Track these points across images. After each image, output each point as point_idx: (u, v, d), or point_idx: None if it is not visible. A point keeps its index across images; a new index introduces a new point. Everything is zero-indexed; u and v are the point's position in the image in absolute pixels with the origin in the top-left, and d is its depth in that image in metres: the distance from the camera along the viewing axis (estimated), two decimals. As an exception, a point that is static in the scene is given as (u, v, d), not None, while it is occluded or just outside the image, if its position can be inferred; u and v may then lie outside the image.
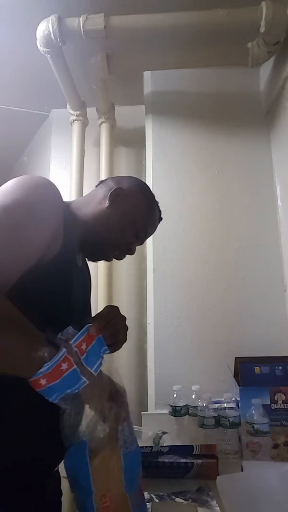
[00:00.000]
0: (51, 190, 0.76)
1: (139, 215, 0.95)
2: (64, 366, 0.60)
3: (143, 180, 2.00)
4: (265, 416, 1.08)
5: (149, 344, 1.58)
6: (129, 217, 0.93)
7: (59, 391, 0.59)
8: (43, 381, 0.58)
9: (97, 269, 1.82)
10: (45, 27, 1.42)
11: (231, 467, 1.05)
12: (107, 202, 0.91)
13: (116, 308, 0.83)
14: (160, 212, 1.04)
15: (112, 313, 0.80)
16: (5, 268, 0.64)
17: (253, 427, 1.07)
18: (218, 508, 0.82)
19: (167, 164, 1.71)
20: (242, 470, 1.02)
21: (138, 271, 1.88)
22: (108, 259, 0.97)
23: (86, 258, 0.97)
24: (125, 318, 0.80)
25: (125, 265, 1.89)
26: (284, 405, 1.16)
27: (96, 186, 1.00)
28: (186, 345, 1.53)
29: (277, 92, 1.53)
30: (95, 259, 0.98)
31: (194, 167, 1.70)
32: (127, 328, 0.80)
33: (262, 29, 1.37)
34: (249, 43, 1.51)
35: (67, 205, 0.90)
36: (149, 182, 1.71)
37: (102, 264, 1.83)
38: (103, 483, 0.64)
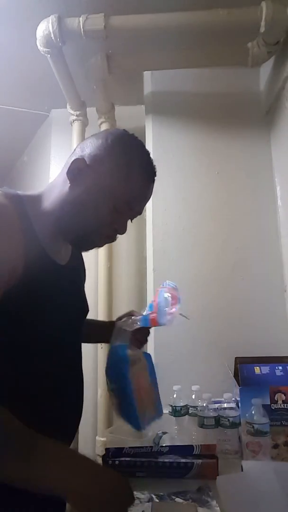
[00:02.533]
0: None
1: (114, 186, 0.75)
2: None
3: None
4: (265, 416, 1.08)
5: (149, 344, 1.58)
6: (100, 193, 0.74)
7: None
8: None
9: (97, 269, 1.82)
10: (45, 27, 1.42)
11: (231, 467, 1.05)
12: (68, 182, 0.75)
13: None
14: (148, 165, 0.83)
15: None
16: None
17: (253, 427, 1.07)
18: (218, 508, 0.82)
19: (167, 164, 1.71)
20: (242, 470, 1.02)
21: (138, 271, 1.88)
22: (98, 245, 0.82)
23: (77, 251, 0.88)
24: None
25: (125, 265, 1.89)
26: (284, 405, 1.16)
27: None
28: (186, 345, 1.53)
29: (277, 92, 1.53)
30: (85, 249, 0.84)
31: (194, 167, 1.70)
32: None
33: (262, 29, 1.37)
34: (249, 43, 1.51)
35: (36, 199, 0.78)
36: (149, 182, 1.71)
37: (102, 264, 1.83)
38: (137, 381, 0.85)
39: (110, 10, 1.41)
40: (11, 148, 2.48)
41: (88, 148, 0.77)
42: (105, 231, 0.78)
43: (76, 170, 0.75)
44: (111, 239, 0.81)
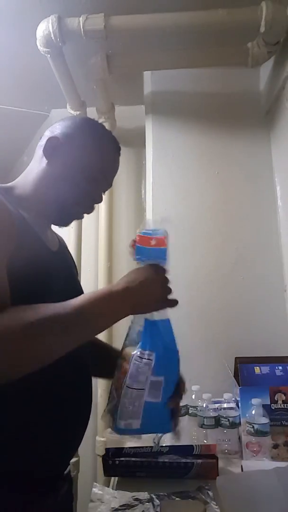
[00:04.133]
0: None
1: (87, 157, 0.82)
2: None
3: (144, 181, 2.00)
4: (265, 416, 1.08)
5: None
6: (76, 164, 0.82)
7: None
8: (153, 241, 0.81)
9: (97, 269, 1.82)
10: (45, 27, 1.42)
11: (231, 467, 1.05)
12: (44, 160, 0.82)
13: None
14: (114, 140, 0.90)
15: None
16: None
17: (253, 427, 1.07)
18: (218, 508, 0.82)
19: (167, 164, 1.71)
20: (242, 470, 1.02)
21: (138, 271, 1.88)
22: (78, 217, 0.88)
23: (58, 226, 0.89)
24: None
25: (125, 265, 1.89)
26: (284, 405, 1.16)
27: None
28: (186, 345, 1.52)
29: (277, 92, 1.53)
30: (67, 222, 0.88)
31: (194, 167, 1.70)
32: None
33: (262, 29, 1.37)
34: (249, 43, 1.51)
35: (11, 189, 0.82)
36: (149, 182, 1.71)
37: (102, 264, 1.83)
38: None
39: (110, 10, 1.41)
40: (11, 148, 2.48)
41: (58, 129, 0.85)
42: (84, 201, 0.85)
43: (52, 147, 0.82)
44: (89, 209, 0.87)
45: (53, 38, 1.42)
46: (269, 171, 1.66)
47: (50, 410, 0.72)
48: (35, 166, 0.84)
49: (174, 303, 0.80)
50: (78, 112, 1.86)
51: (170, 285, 0.80)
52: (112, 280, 1.81)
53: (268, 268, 1.58)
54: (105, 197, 2.10)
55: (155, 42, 1.54)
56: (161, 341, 0.81)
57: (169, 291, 0.78)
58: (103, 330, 0.72)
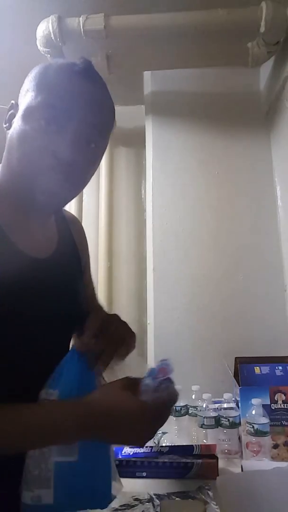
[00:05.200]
0: None
1: (32, 94, 0.63)
2: None
3: (144, 180, 2.00)
4: (265, 416, 1.08)
5: (149, 344, 1.58)
6: (24, 115, 0.63)
7: None
8: None
9: (97, 269, 1.82)
10: (45, 27, 1.42)
11: (231, 467, 1.05)
12: (6, 129, 0.67)
13: (103, 317, 0.68)
14: (70, 62, 0.67)
15: (96, 324, 0.64)
16: None
17: (253, 427, 1.07)
18: (218, 508, 0.82)
19: (167, 164, 1.71)
20: (242, 470, 1.02)
21: (138, 271, 1.88)
22: (58, 187, 0.64)
23: (48, 210, 0.69)
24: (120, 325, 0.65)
25: (125, 265, 1.89)
26: (284, 405, 1.16)
27: None
28: (186, 345, 1.53)
29: (277, 92, 1.53)
30: (51, 203, 0.66)
31: (194, 167, 1.70)
32: (128, 334, 0.68)
33: (262, 29, 1.37)
34: (249, 43, 1.51)
35: None
36: (149, 182, 1.71)
37: (102, 264, 1.83)
38: None
39: (110, 10, 1.41)
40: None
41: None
42: (46, 161, 0.61)
43: (8, 115, 0.67)
44: (62, 171, 0.62)
45: (53, 38, 1.42)
46: (269, 171, 1.66)
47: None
48: (2, 143, 0.67)
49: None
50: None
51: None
52: (112, 280, 1.82)
53: (268, 268, 1.58)
54: (105, 197, 2.10)
55: (155, 42, 1.54)
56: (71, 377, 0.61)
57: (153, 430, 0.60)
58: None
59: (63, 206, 0.76)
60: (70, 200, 0.71)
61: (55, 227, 0.77)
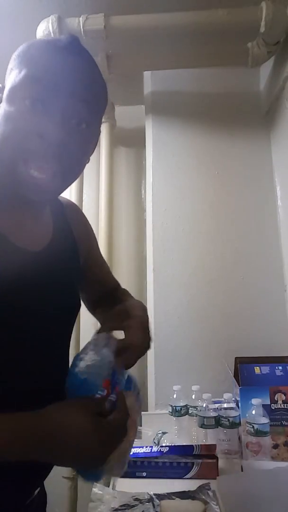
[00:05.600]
0: None
1: (14, 73, 0.57)
2: None
3: (144, 181, 2.00)
4: (265, 416, 1.08)
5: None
6: (8, 95, 0.57)
7: None
8: None
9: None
10: (45, 27, 1.42)
11: (231, 467, 1.05)
12: None
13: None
14: (55, 38, 0.62)
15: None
16: None
17: (253, 427, 1.07)
18: (218, 508, 0.82)
19: (167, 164, 1.71)
20: (242, 470, 1.02)
21: (138, 271, 1.88)
22: (43, 172, 0.57)
23: (36, 198, 0.61)
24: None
25: (125, 265, 1.89)
26: (284, 405, 1.16)
27: None
28: (186, 345, 1.53)
29: (277, 92, 1.53)
30: (38, 192, 0.59)
31: (194, 167, 1.70)
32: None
33: (262, 29, 1.37)
34: (249, 43, 1.51)
35: None
36: (149, 182, 1.71)
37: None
38: None
39: (110, 10, 1.41)
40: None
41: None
42: (32, 145, 0.55)
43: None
44: (49, 156, 0.56)
45: (53, 38, 1.42)
46: (269, 171, 1.67)
47: None
48: None
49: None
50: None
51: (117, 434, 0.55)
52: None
53: (268, 268, 1.58)
54: (105, 197, 2.10)
55: (155, 42, 1.54)
56: None
57: (111, 446, 0.54)
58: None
59: (55, 197, 0.71)
60: (62, 191, 0.64)
61: (51, 218, 0.72)
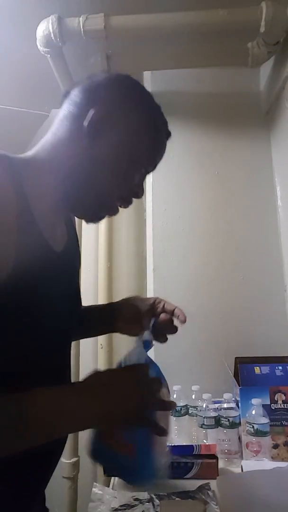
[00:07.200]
0: None
1: (141, 143, 0.68)
2: None
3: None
4: (265, 416, 1.08)
5: (149, 344, 1.58)
6: (127, 150, 0.66)
7: None
8: None
9: (97, 269, 1.82)
10: (45, 27, 1.42)
11: (231, 467, 1.05)
12: (85, 138, 0.64)
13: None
14: (165, 122, 0.75)
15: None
16: None
17: (253, 427, 1.07)
18: (218, 508, 0.82)
19: (167, 164, 1.71)
20: (242, 470, 1.02)
21: (138, 271, 1.88)
22: (112, 213, 0.72)
23: (86, 222, 0.73)
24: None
25: (125, 265, 1.89)
26: (284, 405, 1.16)
27: (61, 103, 0.71)
28: (186, 345, 1.53)
29: (277, 92, 1.53)
30: (96, 219, 0.72)
31: (194, 167, 1.70)
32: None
33: (262, 29, 1.37)
34: (249, 43, 1.51)
35: (30, 163, 0.64)
36: (149, 182, 1.71)
37: (102, 264, 1.83)
38: None
39: (110, 10, 1.41)
40: (11, 148, 2.47)
41: (103, 95, 0.66)
42: (126, 194, 0.71)
43: (98, 123, 0.64)
44: (128, 204, 0.73)
45: (53, 38, 1.42)
46: (269, 171, 1.66)
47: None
48: (69, 141, 0.65)
49: (153, 426, 0.61)
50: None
51: (158, 393, 0.63)
52: (112, 280, 1.81)
53: (268, 268, 1.58)
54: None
55: (155, 42, 1.54)
56: None
57: (151, 404, 0.61)
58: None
59: None
60: None
61: (63, 220, 0.79)
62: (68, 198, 0.66)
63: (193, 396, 1.30)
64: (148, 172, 0.73)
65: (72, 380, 0.82)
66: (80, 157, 0.65)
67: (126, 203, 0.72)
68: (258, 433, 1.06)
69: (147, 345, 0.79)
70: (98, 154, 0.65)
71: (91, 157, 0.65)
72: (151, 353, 1.55)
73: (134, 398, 0.59)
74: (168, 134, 0.75)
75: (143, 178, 0.72)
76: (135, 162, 0.68)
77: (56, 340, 0.67)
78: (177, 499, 0.85)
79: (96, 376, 0.60)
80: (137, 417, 0.59)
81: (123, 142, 0.66)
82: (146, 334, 0.80)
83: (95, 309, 0.97)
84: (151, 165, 0.73)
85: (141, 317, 0.84)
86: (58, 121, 0.68)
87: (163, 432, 0.62)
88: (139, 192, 0.72)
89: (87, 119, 0.64)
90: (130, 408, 0.58)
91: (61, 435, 0.61)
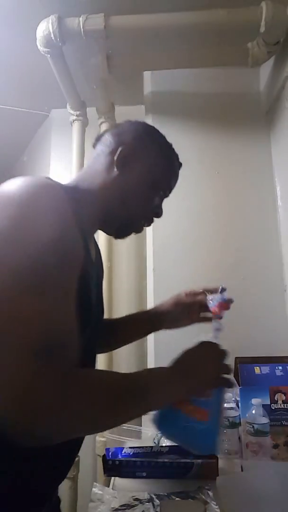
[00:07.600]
0: (53, 208, 0.61)
1: (159, 172, 0.84)
2: None
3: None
4: (265, 416, 1.08)
5: (149, 344, 1.58)
6: (148, 178, 0.82)
7: None
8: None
9: (97, 269, 1.82)
10: (45, 27, 1.42)
11: (231, 467, 1.05)
12: (115, 169, 0.79)
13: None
14: (177, 156, 0.93)
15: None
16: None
17: (253, 427, 1.07)
18: (218, 508, 0.82)
19: (167, 164, 1.71)
20: (242, 470, 1.02)
21: (138, 271, 1.88)
22: (138, 231, 0.87)
23: (116, 238, 0.87)
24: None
25: (125, 265, 1.89)
26: (284, 405, 1.16)
27: (94, 146, 0.87)
28: (186, 345, 1.52)
29: (277, 92, 1.53)
30: (126, 236, 0.87)
31: (194, 167, 1.70)
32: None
33: (262, 29, 1.37)
34: (249, 43, 1.51)
35: (73, 190, 0.75)
36: (149, 182, 1.71)
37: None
38: None
39: (110, 10, 1.41)
40: (11, 148, 2.48)
41: (129, 137, 0.82)
42: (149, 215, 0.85)
43: (125, 157, 0.79)
44: (150, 222, 0.88)
45: (53, 38, 1.42)
46: (269, 171, 1.66)
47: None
48: (103, 168, 0.80)
49: (229, 383, 0.77)
50: (78, 112, 1.86)
51: (226, 362, 0.79)
52: (112, 280, 1.82)
53: (268, 268, 1.58)
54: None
55: (155, 42, 1.54)
56: None
57: (224, 369, 0.78)
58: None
59: None
60: None
61: None
62: (104, 219, 0.80)
63: (193, 396, 1.29)
64: (166, 196, 0.88)
65: None
66: (113, 184, 0.79)
67: (149, 222, 0.87)
68: (258, 433, 1.06)
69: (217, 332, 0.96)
70: (126, 182, 0.79)
71: (120, 184, 0.79)
72: (151, 353, 1.56)
73: (214, 366, 0.76)
74: (179, 164, 0.93)
75: (161, 201, 0.87)
76: (155, 187, 0.83)
77: (94, 343, 0.78)
78: (177, 499, 0.85)
79: (185, 356, 0.77)
80: (217, 381, 0.75)
81: (145, 171, 0.81)
82: (214, 323, 0.99)
83: (128, 319, 1.10)
84: (168, 189, 0.89)
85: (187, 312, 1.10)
86: (93, 159, 0.84)
87: (234, 383, 0.79)
88: (159, 212, 0.87)
89: (116, 155, 0.79)
90: (212, 376, 0.74)
91: (157, 408, 0.73)
